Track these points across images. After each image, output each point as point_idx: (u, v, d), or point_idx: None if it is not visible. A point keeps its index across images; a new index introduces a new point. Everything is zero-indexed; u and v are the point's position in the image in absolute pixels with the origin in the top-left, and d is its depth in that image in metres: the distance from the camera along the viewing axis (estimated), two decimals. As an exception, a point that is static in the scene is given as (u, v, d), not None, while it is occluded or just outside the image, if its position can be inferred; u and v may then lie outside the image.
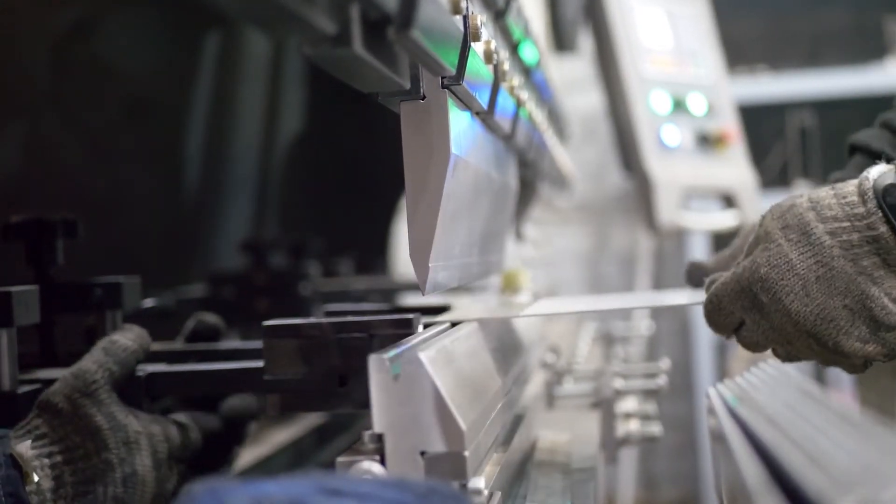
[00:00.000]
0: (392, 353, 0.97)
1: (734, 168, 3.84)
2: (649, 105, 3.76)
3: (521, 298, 2.22)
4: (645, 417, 1.79)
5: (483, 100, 1.23)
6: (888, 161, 1.20)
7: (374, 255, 3.17)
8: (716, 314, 1.25)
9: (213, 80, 2.52)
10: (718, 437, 1.10)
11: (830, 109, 4.74)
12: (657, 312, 4.17)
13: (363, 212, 3.11)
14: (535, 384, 1.81)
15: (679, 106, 3.82)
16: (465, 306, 1.66)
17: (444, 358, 1.04)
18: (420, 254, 1.12)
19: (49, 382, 1.19)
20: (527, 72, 1.76)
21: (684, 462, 5.05)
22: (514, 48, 1.62)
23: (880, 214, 1.15)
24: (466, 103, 1.21)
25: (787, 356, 1.25)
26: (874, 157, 1.22)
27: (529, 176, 2.13)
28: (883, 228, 1.15)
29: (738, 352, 3.63)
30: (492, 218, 1.58)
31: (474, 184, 1.31)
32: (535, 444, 1.59)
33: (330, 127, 3.01)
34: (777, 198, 1.27)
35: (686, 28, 4.04)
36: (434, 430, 0.95)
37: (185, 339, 1.47)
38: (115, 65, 2.11)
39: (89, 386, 1.16)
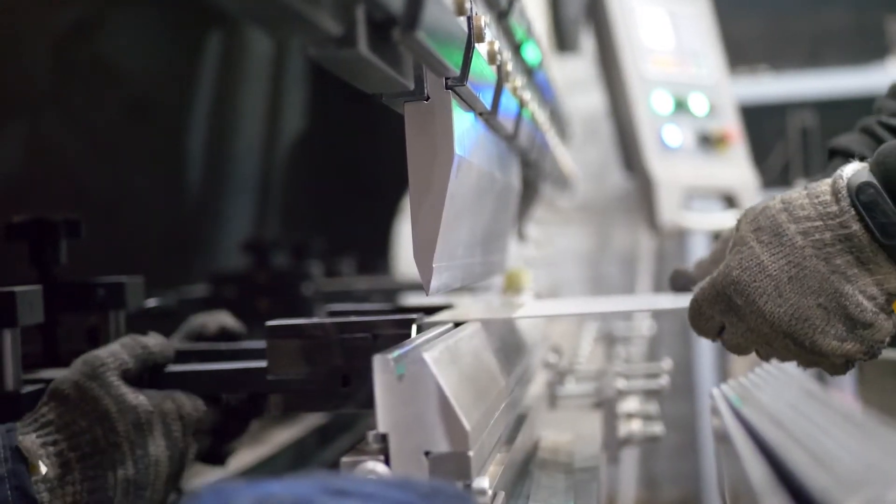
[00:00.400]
0: (396, 353, 0.97)
1: (735, 168, 3.84)
2: (651, 105, 3.77)
3: (522, 298, 2.23)
4: (647, 417, 1.80)
5: (486, 100, 1.23)
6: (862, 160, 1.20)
7: (376, 255, 3.17)
8: (697, 319, 1.26)
9: (214, 79, 2.52)
10: (722, 438, 1.10)
11: (831, 109, 4.74)
12: (658, 313, 4.17)
13: (365, 212, 3.11)
14: (538, 384, 1.81)
15: (680, 106, 3.83)
16: (467, 306, 1.66)
17: (447, 358, 1.04)
18: (424, 255, 1.12)
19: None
20: (529, 72, 1.76)
21: (686, 462, 5.05)
22: (516, 49, 1.62)
23: (853, 212, 1.15)
24: (470, 104, 1.21)
25: (768, 357, 1.26)
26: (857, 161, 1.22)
27: (532, 176, 2.13)
28: (856, 226, 1.15)
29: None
30: (494, 218, 1.58)
31: (477, 184, 1.31)
32: (538, 444, 1.59)
33: (332, 127, 3.01)
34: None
35: (687, 28, 4.04)
36: (438, 430, 0.95)
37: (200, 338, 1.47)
38: (117, 65, 2.11)
39: (96, 369, 1.16)
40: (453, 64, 1.01)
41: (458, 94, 1.13)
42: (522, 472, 1.38)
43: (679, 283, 1.43)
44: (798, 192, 1.20)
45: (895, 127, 1.43)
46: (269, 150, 2.92)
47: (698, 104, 3.87)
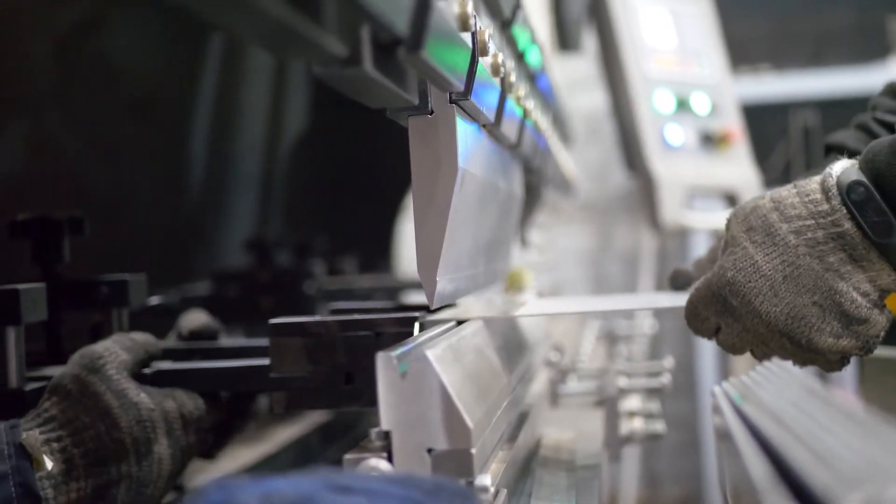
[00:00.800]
0: (399, 350, 0.97)
1: (737, 167, 3.84)
2: (653, 104, 3.77)
3: (524, 297, 2.23)
4: (648, 415, 1.80)
5: (490, 112, 1.23)
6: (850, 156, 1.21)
7: (379, 253, 3.18)
8: (693, 320, 1.26)
9: (217, 78, 2.53)
10: (724, 436, 1.10)
11: (834, 109, 4.74)
12: (660, 311, 4.18)
13: (367, 210, 3.11)
14: (540, 382, 1.82)
15: (682, 105, 3.83)
16: (469, 305, 1.66)
17: (450, 356, 1.04)
18: (428, 267, 1.12)
19: (56, 380, 1.19)
20: (532, 78, 1.76)
21: (687, 460, 5.05)
22: (519, 57, 1.61)
23: (844, 211, 1.15)
24: (473, 116, 1.21)
25: (764, 357, 1.26)
26: (850, 157, 1.22)
27: (534, 181, 2.13)
28: (848, 225, 1.15)
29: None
30: (497, 226, 1.58)
31: (481, 195, 1.31)
32: (540, 442, 1.59)
33: (334, 125, 3.01)
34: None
35: (690, 27, 4.04)
36: (441, 428, 0.95)
37: (182, 339, 1.47)
38: (120, 64, 2.12)
39: (96, 362, 1.16)
40: (457, 80, 1.01)
41: (461, 108, 1.13)
42: (524, 469, 1.38)
43: (679, 282, 1.43)
44: (787, 191, 1.20)
45: (890, 123, 1.43)
46: (271, 148, 2.92)
47: (700, 103, 3.87)
